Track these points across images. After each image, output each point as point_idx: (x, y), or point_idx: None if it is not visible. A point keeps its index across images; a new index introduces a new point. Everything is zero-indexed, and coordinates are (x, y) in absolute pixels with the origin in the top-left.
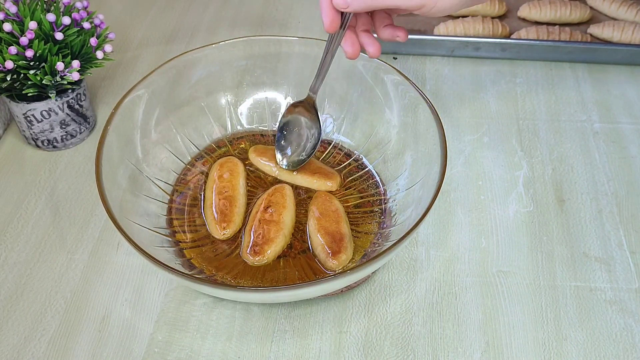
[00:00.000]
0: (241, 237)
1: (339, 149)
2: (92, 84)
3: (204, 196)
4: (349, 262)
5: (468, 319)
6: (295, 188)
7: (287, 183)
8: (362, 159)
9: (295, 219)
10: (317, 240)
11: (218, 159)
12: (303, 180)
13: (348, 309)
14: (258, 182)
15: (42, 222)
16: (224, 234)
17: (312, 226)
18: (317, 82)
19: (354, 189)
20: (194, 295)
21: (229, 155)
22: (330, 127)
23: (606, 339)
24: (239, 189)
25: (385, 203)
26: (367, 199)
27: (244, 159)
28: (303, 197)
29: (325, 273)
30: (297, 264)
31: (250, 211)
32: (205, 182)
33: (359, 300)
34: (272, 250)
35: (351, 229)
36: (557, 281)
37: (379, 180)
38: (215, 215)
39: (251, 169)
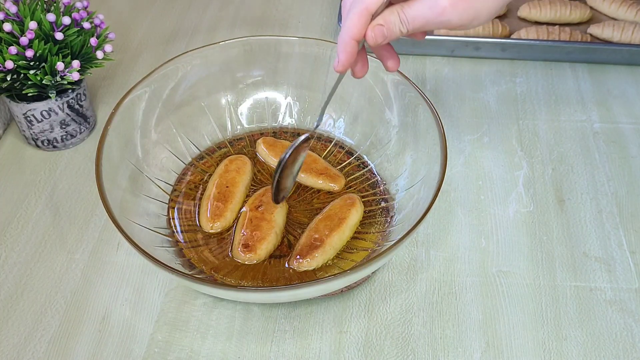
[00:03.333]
0: (232, 236)
1: (340, 147)
2: (92, 84)
3: (205, 188)
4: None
5: (468, 319)
6: (303, 188)
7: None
8: (363, 157)
9: (286, 219)
10: (301, 239)
11: (219, 159)
12: (308, 180)
13: (348, 309)
14: (263, 185)
15: (42, 222)
16: (211, 227)
17: (312, 224)
18: (319, 119)
19: (354, 189)
20: (194, 295)
21: (233, 155)
22: (330, 126)
23: (606, 339)
24: (239, 187)
25: (386, 202)
26: (367, 199)
27: (253, 157)
28: (308, 193)
29: (322, 273)
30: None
31: (241, 210)
32: (210, 175)
33: (359, 300)
34: (263, 248)
35: (349, 237)
36: (557, 281)
37: (380, 179)
38: (208, 207)
39: (259, 170)
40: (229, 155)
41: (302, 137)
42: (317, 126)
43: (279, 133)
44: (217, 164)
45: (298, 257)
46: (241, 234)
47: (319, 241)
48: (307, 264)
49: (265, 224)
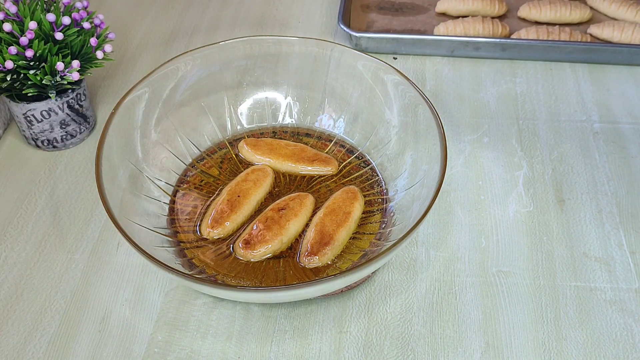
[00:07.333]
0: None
1: (341, 145)
2: (92, 84)
3: (219, 192)
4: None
5: (468, 319)
6: (307, 179)
7: (285, 172)
8: (364, 156)
9: (300, 230)
10: (309, 234)
11: (219, 160)
12: (302, 169)
13: (348, 309)
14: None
15: (42, 222)
16: (209, 234)
17: (315, 218)
18: None
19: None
20: (194, 295)
21: (257, 165)
22: (330, 126)
23: (606, 339)
24: (250, 199)
25: (386, 203)
26: (368, 198)
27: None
28: (312, 185)
29: (322, 272)
30: (297, 264)
31: (263, 207)
32: (216, 179)
33: (359, 300)
34: (262, 251)
35: (354, 231)
36: (557, 281)
37: (380, 179)
38: (212, 213)
39: (277, 189)
40: (253, 165)
41: None
42: None
43: (279, 133)
44: (219, 165)
45: (308, 254)
46: (251, 229)
47: (328, 237)
48: (318, 260)
49: (276, 228)
